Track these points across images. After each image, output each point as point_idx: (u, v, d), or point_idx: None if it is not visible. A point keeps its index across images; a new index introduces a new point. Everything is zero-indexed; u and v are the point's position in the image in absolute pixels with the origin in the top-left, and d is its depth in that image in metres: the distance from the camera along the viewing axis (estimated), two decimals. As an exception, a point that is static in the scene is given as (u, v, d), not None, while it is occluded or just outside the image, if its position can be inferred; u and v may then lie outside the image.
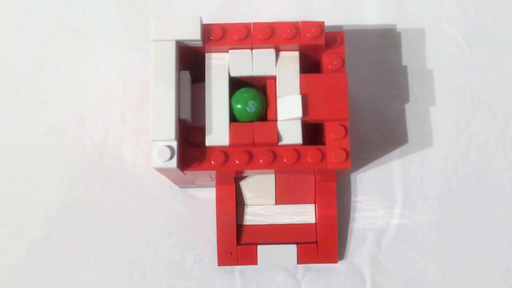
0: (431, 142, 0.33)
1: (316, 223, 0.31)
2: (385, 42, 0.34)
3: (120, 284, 0.32)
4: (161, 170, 0.26)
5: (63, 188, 0.33)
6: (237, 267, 0.32)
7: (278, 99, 0.28)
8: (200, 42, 0.27)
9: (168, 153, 0.26)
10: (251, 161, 0.27)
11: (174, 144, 0.26)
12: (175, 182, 0.31)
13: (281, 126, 0.27)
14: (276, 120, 0.27)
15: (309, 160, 0.27)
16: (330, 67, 0.28)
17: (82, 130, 0.33)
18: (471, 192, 0.33)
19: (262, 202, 0.31)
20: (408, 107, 0.34)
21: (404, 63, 0.34)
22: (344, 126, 0.27)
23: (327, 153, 0.27)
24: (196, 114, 0.28)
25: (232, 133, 0.27)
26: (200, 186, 0.32)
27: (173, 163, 0.26)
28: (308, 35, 0.27)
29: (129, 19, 0.35)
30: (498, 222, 0.33)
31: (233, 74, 0.28)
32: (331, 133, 0.27)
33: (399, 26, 0.35)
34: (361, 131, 0.33)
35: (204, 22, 0.28)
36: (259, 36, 0.27)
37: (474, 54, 0.34)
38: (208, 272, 0.32)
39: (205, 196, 0.33)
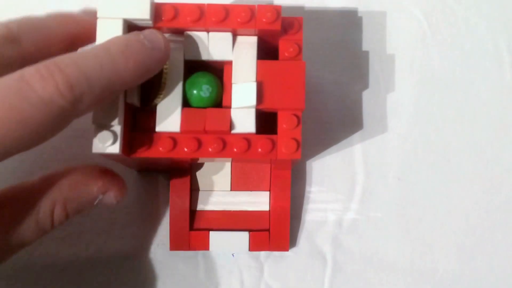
0: (392, 121, 0.34)
1: (269, 211, 0.31)
2: (347, 21, 0.35)
3: (81, 270, 0.32)
4: (104, 155, 0.26)
5: (27, 171, 0.32)
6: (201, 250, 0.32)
7: (233, 86, 0.27)
8: (150, 22, 0.26)
9: (110, 137, 0.25)
10: (200, 149, 0.27)
11: (118, 128, 0.26)
12: (128, 166, 0.32)
13: (234, 114, 0.27)
14: (230, 107, 0.27)
15: (260, 150, 0.27)
16: (286, 54, 0.28)
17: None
18: (430, 171, 0.34)
19: (217, 188, 0.31)
20: (370, 87, 0.34)
21: (365, 43, 0.35)
22: (297, 116, 0.27)
23: (277, 143, 0.27)
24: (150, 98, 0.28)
25: (184, 119, 0.27)
26: (157, 170, 0.33)
27: (116, 148, 0.25)
28: (263, 19, 0.27)
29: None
30: (456, 200, 0.34)
31: (188, 57, 0.27)
32: (283, 123, 0.27)
33: (361, 6, 0.35)
34: (323, 112, 0.34)
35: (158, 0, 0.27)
36: (212, 19, 0.27)
37: (434, 33, 0.35)
38: (171, 256, 0.32)
39: (162, 180, 0.33)
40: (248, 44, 0.28)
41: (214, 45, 0.27)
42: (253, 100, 0.27)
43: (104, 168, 0.28)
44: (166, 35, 0.27)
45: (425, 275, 0.33)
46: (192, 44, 0.27)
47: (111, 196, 0.27)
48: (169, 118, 0.27)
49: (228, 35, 0.28)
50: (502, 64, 0.34)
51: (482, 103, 0.34)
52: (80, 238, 0.32)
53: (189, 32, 0.27)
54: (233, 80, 0.27)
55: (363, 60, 0.35)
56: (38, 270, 0.32)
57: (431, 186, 0.34)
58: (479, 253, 0.33)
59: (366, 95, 0.34)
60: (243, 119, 0.27)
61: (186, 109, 0.27)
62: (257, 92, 0.27)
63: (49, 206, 0.25)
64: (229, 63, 0.28)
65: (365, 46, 0.35)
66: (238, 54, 0.28)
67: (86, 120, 0.25)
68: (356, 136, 0.34)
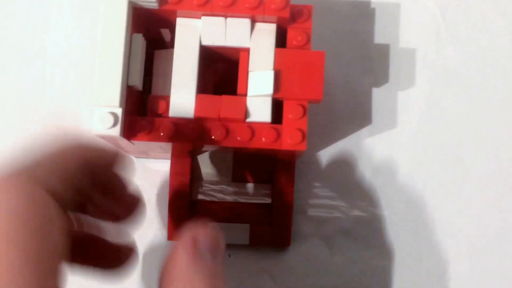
0: (402, 116, 0.34)
1: (272, 204, 0.31)
2: (358, 13, 0.34)
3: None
4: (104, 138, 0.26)
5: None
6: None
7: (249, 73, 0.27)
8: (156, 4, 0.27)
9: (111, 120, 0.25)
10: (202, 136, 0.27)
11: (119, 111, 0.26)
12: (127, 152, 0.32)
13: (250, 102, 0.27)
14: (245, 95, 0.27)
15: (263, 139, 0.27)
16: (294, 42, 0.28)
17: (37, 94, 0.34)
18: (441, 169, 0.33)
19: (218, 179, 0.31)
20: (380, 81, 0.34)
21: (377, 35, 0.34)
22: (303, 106, 0.27)
23: (282, 133, 0.27)
24: (162, 82, 0.28)
25: (198, 105, 0.27)
26: (157, 158, 0.33)
27: (116, 131, 0.25)
28: (272, 6, 0.27)
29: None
30: (467, 200, 0.33)
31: (204, 43, 0.28)
32: (288, 113, 0.27)
33: (373, -4, 0.35)
34: (331, 105, 0.33)
35: None
36: (220, 3, 0.27)
37: (449, 27, 0.34)
38: (169, 246, 0.32)
39: (162, 168, 0.33)
40: (267, 32, 0.28)
41: (232, 31, 0.28)
42: (270, 89, 0.27)
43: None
44: (181, 19, 0.28)
45: (434, 274, 0.33)
46: (209, 29, 0.27)
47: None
48: (183, 103, 0.27)
49: (246, 22, 0.28)
50: (518, 61, 0.34)
51: (497, 100, 0.34)
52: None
53: (206, 17, 0.27)
54: (250, 68, 0.27)
55: (374, 53, 0.34)
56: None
57: (441, 184, 0.33)
58: (490, 254, 0.33)
59: (376, 89, 0.34)
60: (259, 107, 0.27)
61: (201, 95, 0.27)
62: (274, 80, 0.27)
63: None
64: (246, 50, 0.28)
65: (376, 39, 0.34)
66: (256, 41, 0.28)
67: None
68: (364, 130, 0.34)
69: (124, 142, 0.27)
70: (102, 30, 0.26)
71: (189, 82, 0.27)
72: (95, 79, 0.26)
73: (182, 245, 0.22)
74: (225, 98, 0.27)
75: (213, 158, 0.31)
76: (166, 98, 0.27)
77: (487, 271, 0.33)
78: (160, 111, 0.27)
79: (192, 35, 0.28)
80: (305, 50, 0.28)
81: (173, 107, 0.27)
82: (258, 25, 0.28)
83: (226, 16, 0.28)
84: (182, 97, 0.27)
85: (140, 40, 0.27)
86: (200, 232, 0.23)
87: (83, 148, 0.22)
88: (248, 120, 0.27)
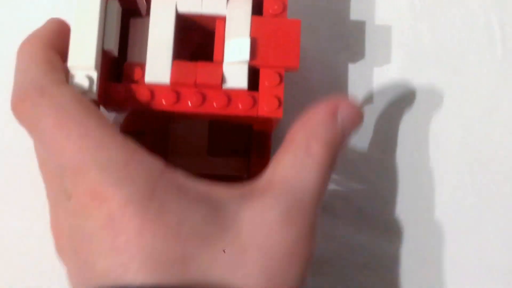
0: (377, 94, 0.34)
1: (247, 177, 0.31)
2: (334, -12, 0.34)
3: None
4: None
5: None
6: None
7: (226, 41, 0.27)
8: None
9: (86, 82, 0.25)
10: (179, 102, 0.27)
11: (94, 74, 0.26)
12: None
13: (226, 69, 0.27)
14: (222, 62, 0.27)
15: (240, 106, 0.27)
16: (270, 11, 0.28)
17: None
18: (416, 145, 0.34)
19: (193, 152, 0.31)
20: (355, 58, 0.34)
21: (352, 12, 0.35)
22: (280, 74, 0.27)
23: (259, 100, 0.27)
24: (138, 50, 0.28)
25: (174, 71, 0.27)
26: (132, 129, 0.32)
27: (93, 94, 0.25)
28: None
29: None
30: (441, 174, 0.34)
31: (181, 10, 0.28)
32: (265, 80, 0.27)
33: (350, -27, 0.35)
34: (306, 80, 0.34)
35: None
36: None
37: (424, 5, 0.35)
38: None
39: (137, 141, 0.32)
40: (243, 0, 0.28)
41: None
42: (246, 55, 0.27)
43: None
44: None
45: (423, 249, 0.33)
46: None
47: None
48: (159, 69, 0.27)
49: None
50: (493, 39, 0.35)
51: (472, 78, 0.34)
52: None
53: None
54: (226, 35, 0.27)
55: (349, 30, 0.34)
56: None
57: (416, 160, 0.34)
58: (464, 230, 0.33)
59: (352, 66, 0.34)
60: (236, 74, 0.27)
61: (177, 61, 0.27)
62: (251, 48, 0.27)
63: None
64: (222, 18, 0.28)
65: (352, 16, 0.35)
66: (233, 9, 0.28)
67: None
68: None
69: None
70: None
71: (165, 49, 0.27)
72: (70, 42, 0.26)
73: (324, 102, 0.26)
74: (202, 65, 0.27)
75: (188, 131, 0.31)
76: (142, 65, 0.27)
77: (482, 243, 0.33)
78: (136, 77, 0.27)
79: (168, 2, 0.28)
80: (281, 18, 0.28)
81: (148, 73, 0.27)
82: None
83: None
84: (158, 63, 0.27)
85: (115, 5, 0.27)
86: (345, 103, 0.26)
87: None
88: (224, 86, 0.27)
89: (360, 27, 0.35)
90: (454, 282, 0.33)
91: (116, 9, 0.27)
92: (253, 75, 0.28)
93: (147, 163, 0.23)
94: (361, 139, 0.34)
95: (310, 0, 0.34)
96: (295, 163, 0.25)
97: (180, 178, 0.23)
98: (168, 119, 0.30)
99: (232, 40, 0.27)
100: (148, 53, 0.27)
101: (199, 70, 0.27)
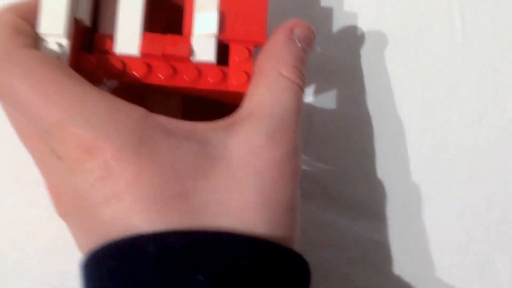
0: (345, 74, 0.35)
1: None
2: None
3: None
4: None
5: None
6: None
7: (194, 14, 0.28)
8: None
9: (57, 49, 0.26)
10: (150, 74, 0.27)
11: (65, 42, 0.26)
12: None
13: (195, 42, 0.28)
14: (190, 35, 0.28)
15: (210, 80, 0.28)
16: None
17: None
18: (379, 126, 0.35)
19: None
20: (321, 41, 0.35)
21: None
22: (249, 49, 0.28)
23: (228, 74, 0.28)
24: (108, 21, 0.28)
25: (144, 42, 0.28)
26: None
27: (63, 61, 0.26)
28: None
29: None
30: (403, 155, 0.35)
31: None
32: (235, 55, 0.28)
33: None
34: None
35: None
36: None
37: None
38: None
39: None
40: None
41: None
42: (214, 28, 0.28)
43: None
44: None
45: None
46: None
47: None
48: (128, 41, 0.27)
49: None
50: (454, 27, 0.36)
51: (432, 63, 0.36)
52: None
53: None
54: (195, 9, 0.28)
55: (317, 13, 0.36)
56: None
57: (378, 140, 0.35)
58: (426, 208, 0.35)
59: (319, 49, 0.35)
60: (204, 47, 0.28)
61: (147, 33, 0.28)
62: (219, 22, 0.28)
63: None
64: None
65: (321, 1, 0.36)
66: None
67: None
68: (307, 90, 0.35)
69: None
70: None
71: (135, 20, 0.28)
72: (41, 8, 0.26)
73: (280, 29, 0.28)
74: (171, 37, 0.28)
75: (162, 107, 0.32)
76: (112, 37, 0.28)
77: (443, 220, 0.35)
78: (106, 48, 0.28)
79: None
80: None
81: (118, 44, 0.27)
82: None
83: None
84: (128, 34, 0.27)
85: None
86: (298, 24, 0.29)
87: None
88: (192, 59, 0.28)
89: (328, 11, 0.36)
90: (418, 257, 0.35)
91: None
92: (224, 50, 0.29)
93: (129, 110, 0.24)
94: (326, 122, 0.35)
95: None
96: (269, 88, 0.27)
97: (163, 120, 0.25)
98: (140, 94, 0.30)
99: (201, 13, 0.28)
100: (118, 24, 0.28)
101: (168, 42, 0.28)
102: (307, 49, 0.29)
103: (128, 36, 0.27)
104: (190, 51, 0.28)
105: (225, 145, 0.25)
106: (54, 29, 0.26)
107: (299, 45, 0.28)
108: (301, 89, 0.27)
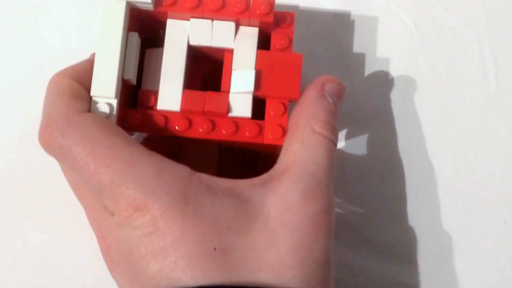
0: (376, 122, 0.36)
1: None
2: (338, 22, 0.37)
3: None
4: None
5: (12, 148, 0.35)
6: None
7: (233, 72, 0.30)
8: (151, 6, 0.29)
9: (106, 109, 0.28)
10: (190, 128, 0.29)
11: (114, 102, 0.28)
12: None
13: (232, 98, 0.29)
14: (228, 92, 0.30)
15: (247, 133, 0.29)
16: (277, 46, 0.30)
17: (34, 89, 0.35)
18: (411, 172, 0.36)
19: (203, 171, 0.34)
20: (356, 87, 0.37)
21: (355, 43, 0.37)
22: (284, 104, 0.29)
23: (264, 128, 0.29)
24: (152, 78, 0.30)
25: (184, 99, 0.29)
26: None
27: (113, 120, 0.28)
28: (258, 11, 0.29)
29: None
30: (436, 202, 0.36)
31: (192, 43, 0.30)
32: (270, 110, 0.29)
33: (353, 9, 0.37)
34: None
35: None
36: (210, 7, 0.29)
37: (422, 39, 0.37)
38: None
39: None
40: (250, 34, 0.30)
41: (218, 33, 0.30)
42: (251, 86, 0.29)
43: None
44: (172, 20, 0.30)
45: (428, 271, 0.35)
46: (197, 30, 0.30)
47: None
48: (170, 97, 0.29)
49: (231, 24, 0.30)
50: (487, 74, 0.37)
51: (466, 110, 0.37)
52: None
53: (194, 19, 0.30)
54: (233, 67, 0.30)
55: (351, 59, 0.37)
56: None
57: (411, 187, 0.36)
58: (458, 254, 0.35)
59: (352, 95, 0.36)
60: (240, 103, 0.29)
61: (187, 90, 0.30)
62: (255, 79, 0.29)
63: None
64: (230, 50, 0.30)
65: (354, 47, 0.37)
66: (240, 43, 0.30)
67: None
68: (340, 134, 0.36)
69: None
70: (101, 28, 0.29)
71: (176, 78, 0.29)
72: (94, 72, 0.28)
73: (312, 85, 0.30)
74: (210, 94, 0.29)
75: (199, 154, 0.34)
76: (155, 93, 0.29)
77: (476, 265, 0.35)
78: (150, 104, 0.30)
79: (181, 35, 0.30)
80: (284, 52, 0.30)
81: (161, 100, 0.29)
82: (242, 28, 0.30)
83: (213, 19, 0.30)
84: (170, 91, 0.29)
85: (135, 38, 0.29)
86: (329, 80, 0.30)
87: None
88: (230, 114, 0.29)
89: (361, 58, 0.37)
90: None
91: (136, 41, 0.30)
92: (260, 104, 0.30)
93: (175, 170, 0.26)
94: (358, 165, 0.36)
95: (316, 32, 0.37)
96: (303, 145, 0.28)
97: (205, 178, 0.27)
98: (180, 141, 0.32)
99: (239, 71, 0.30)
100: (161, 82, 0.30)
101: (207, 98, 0.29)
102: (338, 103, 0.30)
103: (170, 93, 0.29)
104: (228, 108, 0.29)
105: (262, 203, 0.26)
106: (106, 92, 0.28)
107: (331, 100, 0.30)
108: (333, 143, 0.29)
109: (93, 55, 0.29)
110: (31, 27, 0.37)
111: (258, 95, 0.30)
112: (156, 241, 0.24)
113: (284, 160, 0.28)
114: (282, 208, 0.26)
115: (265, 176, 0.28)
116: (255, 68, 0.30)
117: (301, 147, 0.28)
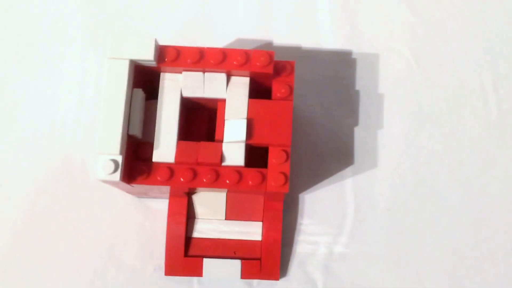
0: (382, 155, 0.37)
1: (261, 240, 0.34)
2: (340, 60, 0.38)
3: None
4: (107, 182, 0.29)
5: (27, 200, 0.36)
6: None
7: (225, 122, 0.31)
8: (154, 63, 0.30)
9: (112, 166, 0.29)
10: (195, 179, 0.30)
11: (119, 158, 0.29)
12: (129, 193, 0.35)
13: (226, 148, 0.30)
14: (222, 141, 0.31)
15: (250, 182, 0.30)
16: (278, 94, 0.31)
17: (48, 142, 0.37)
18: (419, 203, 0.37)
19: (212, 217, 0.34)
20: (361, 122, 0.38)
21: (357, 80, 0.38)
22: (286, 152, 0.30)
23: (267, 176, 0.30)
24: (149, 130, 0.31)
25: (179, 150, 0.30)
26: (156, 197, 0.36)
27: (117, 176, 0.29)
28: (257, 63, 0.30)
29: (95, 37, 0.38)
30: (445, 231, 0.36)
31: (185, 95, 0.31)
32: (273, 158, 0.30)
33: (354, 47, 0.38)
34: (315, 145, 0.37)
35: (168, 43, 0.31)
36: (211, 61, 0.30)
37: (422, 72, 0.38)
38: (167, 280, 0.35)
39: (162, 207, 0.36)
40: (241, 84, 0.31)
41: (210, 84, 0.31)
42: (243, 136, 0.30)
43: None
44: (164, 74, 0.31)
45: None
46: (190, 82, 0.31)
47: None
48: (165, 149, 0.30)
49: (222, 76, 0.31)
50: (488, 102, 0.38)
51: (468, 138, 0.37)
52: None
53: (187, 72, 0.31)
54: (226, 117, 0.31)
55: (354, 96, 0.38)
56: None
57: (419, 217, 0.37)
58: (468, 283, 0.36)
59: (357, 130, 0.37)
60: (234, 153, 0.30)
61: (181, 142, 0.31)
62: (247, 128, 0.30)
63: None
64: (223, 100, 0.31)
65: (357, 84, 0.38)
66: (231, 93, 0.31)
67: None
68: (347, 169, 0.37)
69: (124, 185, 0.31)
70: (106, 87, 0.30)
71: (170, 130, 0.30)
72: (99, 130, 0.29)
73: None
74: (203, 145, 0.30)
75: (208, 198, 0.35)
76: (152, 144, 0.30)
77: None
78: (147, 156, 0.31)
79: (174, 87, 0.31)
80: (275, 100, 0.31)
81: (156, 153, 0.30)
82: (233, 78, 0.31)
83: (204, 71, 0.31)
84: (164, 143, 0.30)
85: (140, 94, 0.31)
86: None
87: None
88: (224, 164, 0.30)
89: (364, 93, 0.38)
90: None
91: (140, 97, 0.31)
92: (264, 152, 0.31)
93: None
94: (365, 196, 0.37)
95: (319, 70, 0.38)
96: None
97: None
98: (187, 189, 0.33)
99: (231, 121, 0.31)
100: (156, 134, 0.30)
101: (201, 149, 0.30)
102: None
103: (165, 145, 0.30)
104: (221, 157, 0.30)
105: None
106: (111, 149, 0.29)
107: None
108: None
109: None
110: (44, 87, 0.38)
111: (251, 143, 0.31)
112: None
113: None
114: None
115: None
116: (247, 117, 0.31)
117: None
